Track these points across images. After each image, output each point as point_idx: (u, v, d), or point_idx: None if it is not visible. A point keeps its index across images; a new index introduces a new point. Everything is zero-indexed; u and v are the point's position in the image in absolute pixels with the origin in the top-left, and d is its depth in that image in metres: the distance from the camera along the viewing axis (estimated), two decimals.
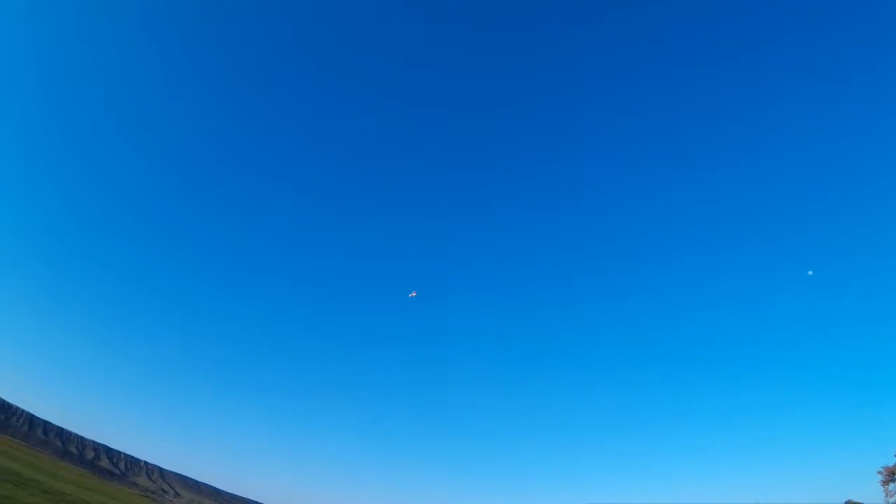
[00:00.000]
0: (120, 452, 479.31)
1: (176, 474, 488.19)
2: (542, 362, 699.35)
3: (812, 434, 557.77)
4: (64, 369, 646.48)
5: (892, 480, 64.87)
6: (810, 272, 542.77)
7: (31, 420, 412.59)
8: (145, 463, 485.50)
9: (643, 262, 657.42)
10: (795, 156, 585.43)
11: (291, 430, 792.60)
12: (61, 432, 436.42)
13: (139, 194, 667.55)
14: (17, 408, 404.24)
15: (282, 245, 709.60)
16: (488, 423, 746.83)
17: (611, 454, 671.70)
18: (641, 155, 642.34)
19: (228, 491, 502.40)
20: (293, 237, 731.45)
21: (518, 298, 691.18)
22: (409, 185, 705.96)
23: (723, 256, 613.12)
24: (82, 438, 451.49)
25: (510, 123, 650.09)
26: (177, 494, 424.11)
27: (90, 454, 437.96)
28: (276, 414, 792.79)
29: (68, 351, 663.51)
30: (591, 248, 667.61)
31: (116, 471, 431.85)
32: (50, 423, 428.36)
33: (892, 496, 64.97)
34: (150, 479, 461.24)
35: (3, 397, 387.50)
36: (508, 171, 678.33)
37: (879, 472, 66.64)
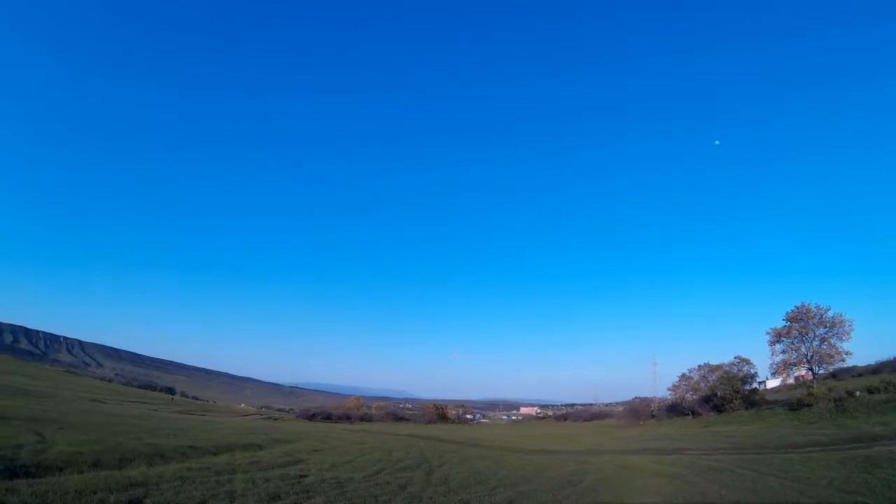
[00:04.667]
0: (38, 332, 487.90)
1: (97, 345, 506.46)
2: None
3: (708, 299, 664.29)
4: None
5: (779, 341, 73.92)
6: (717, 142, 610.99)
7: None
8: (65, 339, 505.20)
9: None
10: None
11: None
12: None
13: None
14: None
15: None
16: None
17: None
18: None
19: (148, 355, 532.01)
20: None
21: None
22: None
23: None
24: None
25: None
26: (99, 365, 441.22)
27: (8, 338, 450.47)
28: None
29: None
30: None
31: (37, 350, 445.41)
32: None
33: (777, 355, 74.11)
34: (71, 353, 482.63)
35: None
36: None
37: (768, 333, 75.72)
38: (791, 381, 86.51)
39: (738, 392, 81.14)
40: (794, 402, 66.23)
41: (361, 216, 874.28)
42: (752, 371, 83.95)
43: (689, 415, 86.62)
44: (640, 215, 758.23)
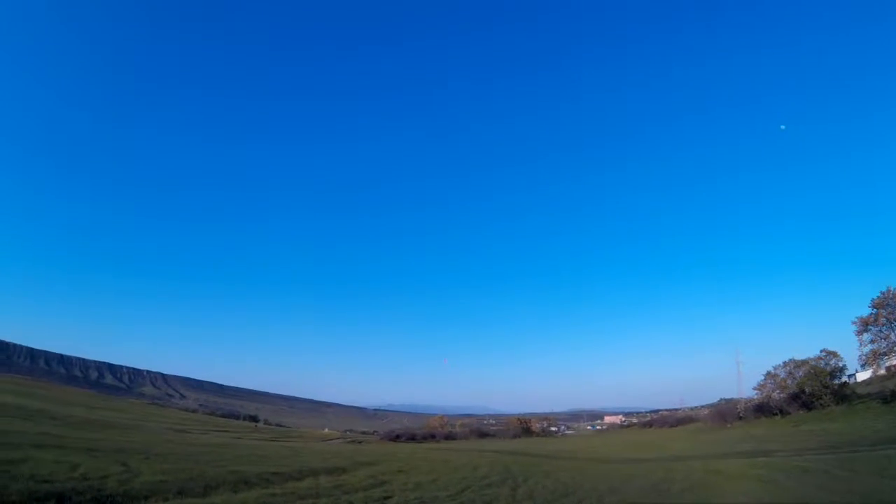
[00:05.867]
0: (122, 367, 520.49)
1: (180, 377, 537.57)
2: None
3: (790, 289, 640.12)
4: (50, 297, 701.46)
5: (866, 330, 71.18)
6: (783, 127, 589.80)
7: (32, 354, 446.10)
8: (148, 372, 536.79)
9: None
10: None
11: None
12: (63, 359, 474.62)
13: None
14: (16, 345, 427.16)
15: None
16: None
17: None
18: None
19: (230, 385, 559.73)
20: None
21: None
22: None
23: None
24: (84, 361, 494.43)
25: None
26: (182, 396, 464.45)
27: (94, 374, 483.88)
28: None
29: (51, 279, 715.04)
30: None
31: (122, 385, 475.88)
32: (51, 353, 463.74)
33: (865, 346, 71.25)
34: (154, 386, 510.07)
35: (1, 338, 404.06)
36: None
37: (854, 323, 73.04)
38: (882, 371, 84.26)
39: (827, 387, 79.74)
40: (888, 394, 65.62)
41: (433, 237, 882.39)
42: (841, 364, 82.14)
43: (777, 414, 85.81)
44: (717, 215, 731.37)
